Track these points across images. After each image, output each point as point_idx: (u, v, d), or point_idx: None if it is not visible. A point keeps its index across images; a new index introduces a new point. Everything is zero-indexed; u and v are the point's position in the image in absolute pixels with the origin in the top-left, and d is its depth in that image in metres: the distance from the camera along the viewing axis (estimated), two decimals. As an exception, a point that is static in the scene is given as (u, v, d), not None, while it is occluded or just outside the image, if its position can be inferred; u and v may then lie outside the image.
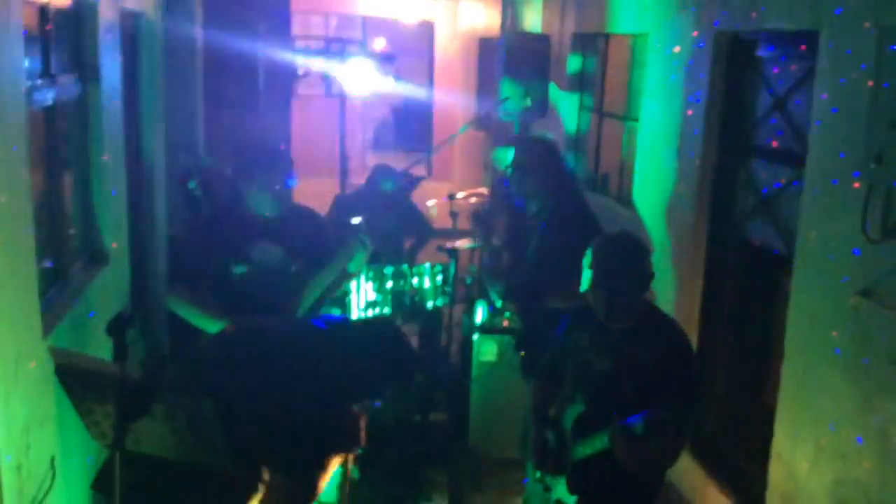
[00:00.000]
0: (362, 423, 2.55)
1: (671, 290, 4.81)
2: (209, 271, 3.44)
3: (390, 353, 2.44)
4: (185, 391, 2.20)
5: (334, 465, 2.55)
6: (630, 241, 2.88)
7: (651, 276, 2.79)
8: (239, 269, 3.43)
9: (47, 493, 2.98)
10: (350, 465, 3.90)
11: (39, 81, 3.47)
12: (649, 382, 2.63)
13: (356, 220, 5.00)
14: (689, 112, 4.62)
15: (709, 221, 4.55)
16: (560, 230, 3.90)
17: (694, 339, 4.65)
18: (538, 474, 3.02)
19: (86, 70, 4.07)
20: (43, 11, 3.53)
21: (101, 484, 2.37)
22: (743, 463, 4.23)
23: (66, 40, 3.94)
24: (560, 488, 2.86)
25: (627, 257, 2.75)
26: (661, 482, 2.88)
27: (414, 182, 4.86)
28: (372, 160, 11.47)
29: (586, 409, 2.84)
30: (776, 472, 3.73)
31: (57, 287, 3.61)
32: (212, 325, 3.36)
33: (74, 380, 2.08)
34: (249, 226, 3.48)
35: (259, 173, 3.45)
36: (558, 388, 3.01)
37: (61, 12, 3.86)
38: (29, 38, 3.24)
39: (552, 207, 4.06)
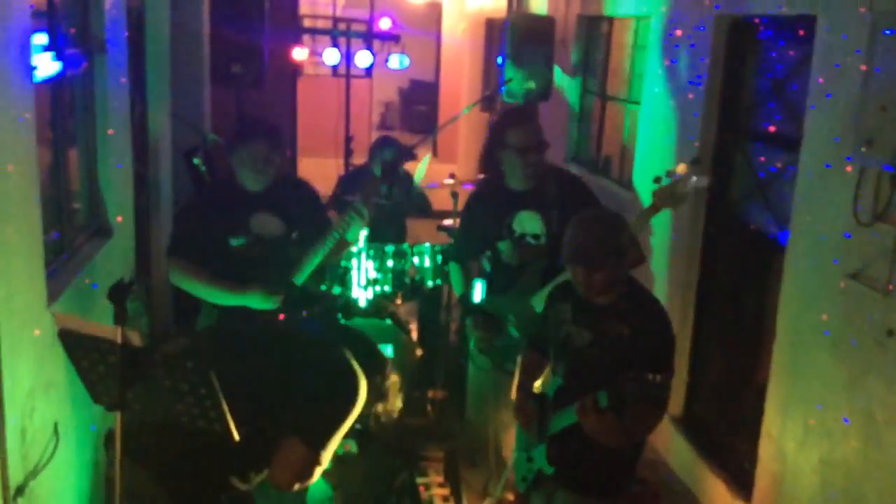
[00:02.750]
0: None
1: (668, 271, 4.86)
2: (206, 243, 3.46)
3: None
4: (188, 359, 2.26)
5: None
6: (604, 217, 2.92)
7: (626, 251, 2.79)
8: (237, 241, 3.46)
9: (51, 457, 3.07)
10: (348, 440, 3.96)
11: (46, 54, 3.52)
12: (627, 357, 2.68)
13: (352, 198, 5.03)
14: (690, 95, 4.65)
15: (707, 204, 4.58)
16: (576, 200, 3.64)
17: (690, 319, 4.71)
18: (523, 445, 3.09)
19: (92, 44, 4.11)
20: (50, -14, 3.57)
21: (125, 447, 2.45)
22: (734, 442, 4.29)
23: (72, 15, 3.99)
24: (541, 459, 2.92)
25: (602, 232, 2.77)
26: (638, 456, 2.94)
27: (406, 152, 4.53)
28: (377, 141, 11.47)
29: (565, 381, 2.89)
30: (766, 451, 3.79)
31: (62, 258, 3.68)
32: (211, 295, 3.44)
33: (76, 342, 2.15)
34: (247, 198, 3.50)
35: (243, 144, 3.46)
36: (544, 359, 3.06)
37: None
38: (36, 13, 3.29)
39: (563, 178, 3.87)
